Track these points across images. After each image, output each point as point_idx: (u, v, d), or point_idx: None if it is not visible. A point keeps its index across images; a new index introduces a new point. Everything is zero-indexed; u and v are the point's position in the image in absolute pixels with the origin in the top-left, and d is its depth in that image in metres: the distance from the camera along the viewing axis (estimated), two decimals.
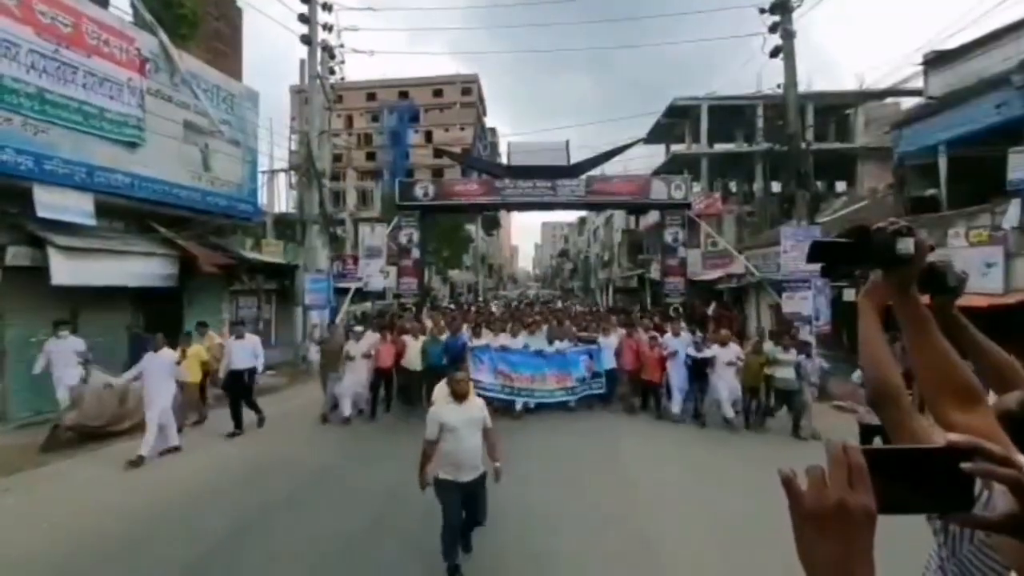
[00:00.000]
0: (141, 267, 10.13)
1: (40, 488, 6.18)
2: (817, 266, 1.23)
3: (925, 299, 1.19)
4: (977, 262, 9.58)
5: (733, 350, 8.89)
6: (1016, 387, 1.14)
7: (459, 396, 4.23)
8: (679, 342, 9.49)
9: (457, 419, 4.11)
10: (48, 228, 8.45)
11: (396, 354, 9.42)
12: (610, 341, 10.35)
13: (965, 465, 0.60)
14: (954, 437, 0.63)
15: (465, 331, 10.21)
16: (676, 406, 9.23)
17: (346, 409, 8.88)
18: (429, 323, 11.16)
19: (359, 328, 9.62)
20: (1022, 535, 0.62)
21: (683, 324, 10.99)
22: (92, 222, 9.21)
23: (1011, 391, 1.12)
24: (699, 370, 9.03)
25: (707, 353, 8.90)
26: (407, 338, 9.58)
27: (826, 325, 11.56)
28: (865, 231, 1.11)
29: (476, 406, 4.27)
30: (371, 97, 53.38)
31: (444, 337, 9.57)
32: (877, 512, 0.58)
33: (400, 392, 9.78)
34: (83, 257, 8.75)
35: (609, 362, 10.13)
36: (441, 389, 4.80)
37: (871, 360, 1.15)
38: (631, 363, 9.88)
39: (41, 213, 8.32)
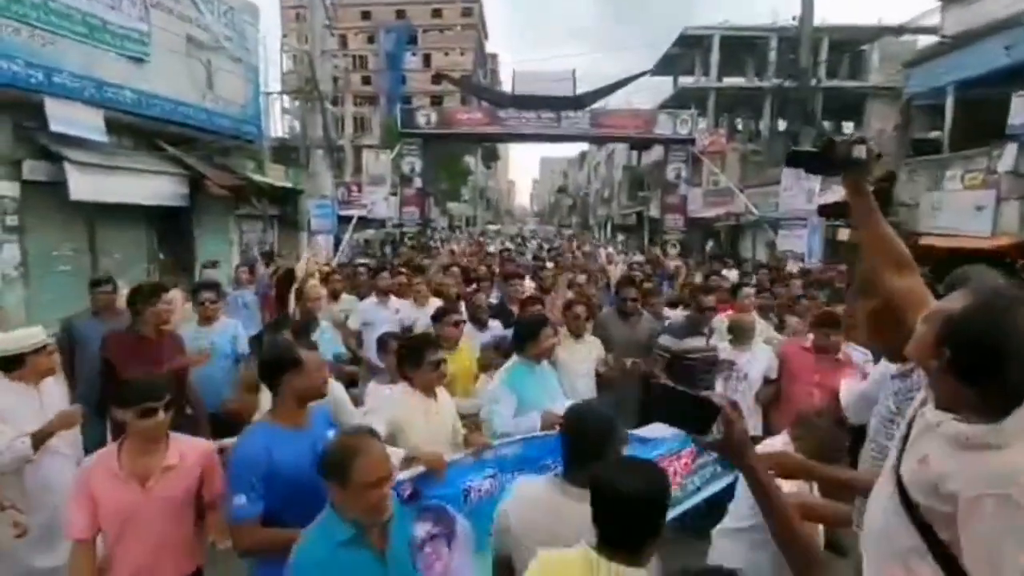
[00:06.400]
0: (154, 185, 10.27)
1: None
2: (814, 206, 1.69)
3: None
4: (968, 205, 9.88)
5: None
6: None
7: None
8: None
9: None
10: (62, 143, 8.52)
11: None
12: (754, 363, 3.86)
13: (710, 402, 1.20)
14: (706, 394, 1.25)
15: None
16: None
17: None
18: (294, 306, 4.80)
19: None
20: (720, 453, 1.22)
21: None
22: (104, 138, 9.25)
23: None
24: None
25: None
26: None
27: (819, 262, 11.90)
28: (832, 142, 1.48)
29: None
30: (366, 16, 50.76)
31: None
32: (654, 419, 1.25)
33: None
34: (99, 173, 8.89)
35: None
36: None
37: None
38: None
39: (54, 127, 8.36)
